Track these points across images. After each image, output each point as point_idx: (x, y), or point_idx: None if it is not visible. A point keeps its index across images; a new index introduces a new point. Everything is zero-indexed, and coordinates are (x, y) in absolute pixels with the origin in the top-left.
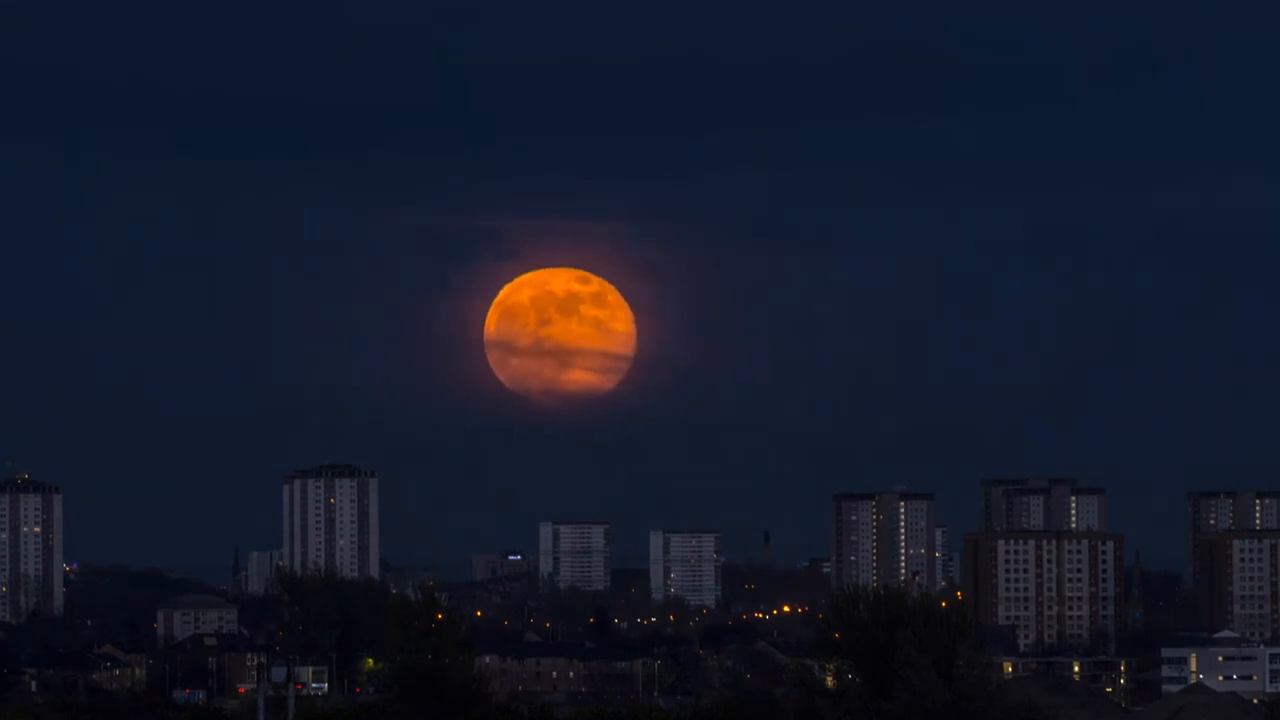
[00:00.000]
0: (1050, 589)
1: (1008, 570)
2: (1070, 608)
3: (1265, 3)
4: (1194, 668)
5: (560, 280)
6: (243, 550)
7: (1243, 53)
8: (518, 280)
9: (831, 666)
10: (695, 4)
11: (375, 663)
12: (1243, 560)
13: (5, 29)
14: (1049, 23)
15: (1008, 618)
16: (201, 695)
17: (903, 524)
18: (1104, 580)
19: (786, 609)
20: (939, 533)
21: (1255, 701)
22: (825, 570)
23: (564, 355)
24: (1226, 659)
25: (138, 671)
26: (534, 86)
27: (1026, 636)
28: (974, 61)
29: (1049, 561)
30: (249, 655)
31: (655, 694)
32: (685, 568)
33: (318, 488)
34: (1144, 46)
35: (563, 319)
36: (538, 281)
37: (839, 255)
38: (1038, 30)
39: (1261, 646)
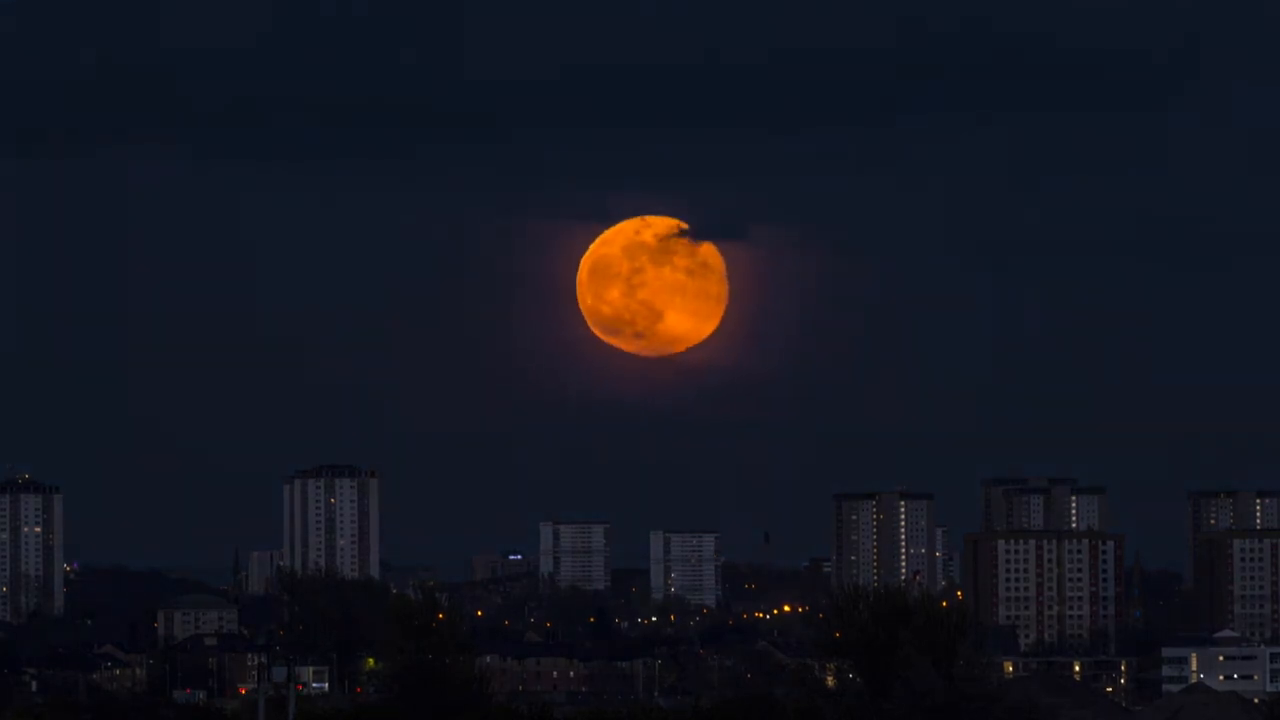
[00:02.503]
0: (1050, 589)
1: (1008, 570)
2: (1070, 607)
3: None
4: (1194, 667)
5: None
6: (243, 550)
7: None
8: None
9: (831, 666)
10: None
11: (375, 663)
12: (1243, 560)
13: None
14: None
15: (1008, 617)
16: (202, 695)
17: (903, 524)
18: (1104, 580)
19: (786, 609)
20: (939, 532)
21: (1256, 701)
22: (825, 570)
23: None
24: (1227, 659)
25: (138, 671)
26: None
27: (1027, 636)
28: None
29: (1049, 561)
30: (249, 655)
31: (655, 694)
32: (685, 568)
33: (318, 488)
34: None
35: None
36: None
37: (831, 250)
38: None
39: (1262, 646)
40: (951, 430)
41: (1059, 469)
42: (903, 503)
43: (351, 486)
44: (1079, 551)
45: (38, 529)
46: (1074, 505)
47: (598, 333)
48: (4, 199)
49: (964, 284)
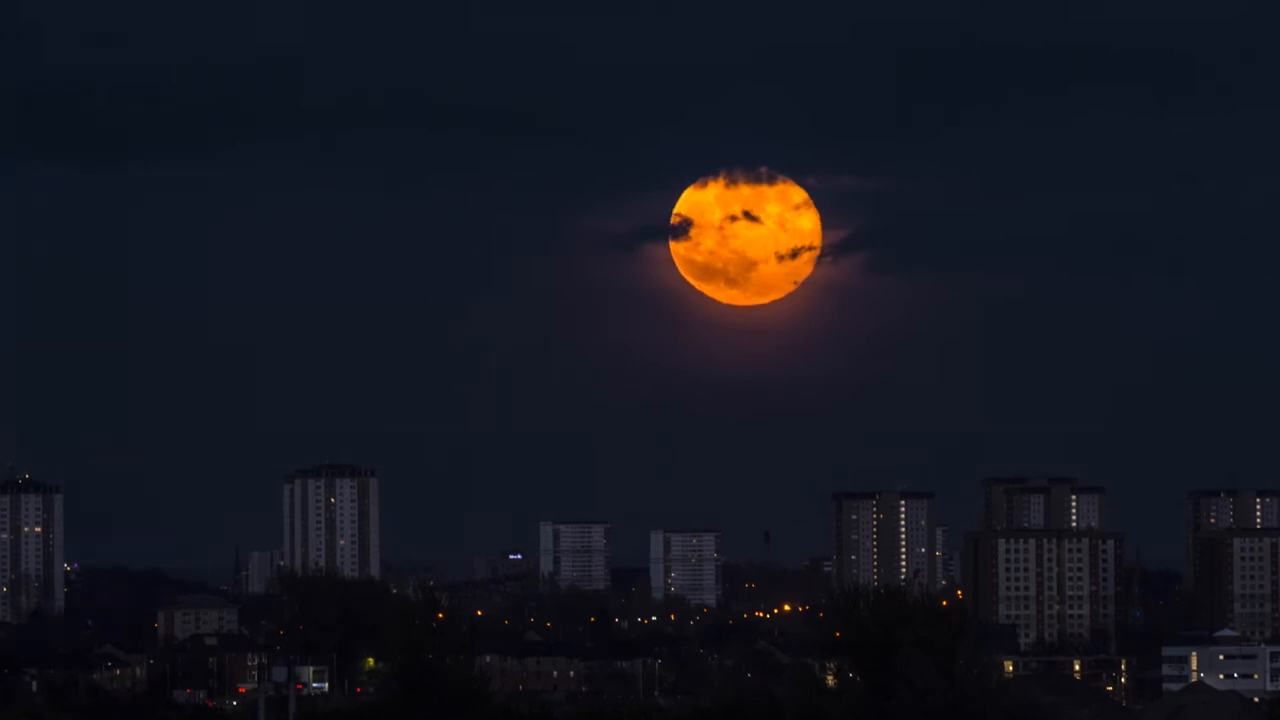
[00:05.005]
0: (1051, 588)
1: (1008, 569)
2: (1071, 606)
3: None
4: (1195, 666)
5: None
6: (243, 550)
7: None
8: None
9: (832, 666)
10: None
11: (375, 663)
12: (1243, 559)
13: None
14: None
15: (1008, 616)
16: (202, 695)
17: (903, 523)
18: (1104, 579)
19: (787, 608)
20: (939, 532)
21: (1256, 700)
22: (826, 569)
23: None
24: (1227, 658)
25: (138, 671)
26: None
27: (1027, 635)
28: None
29: (1049, 560)
30: (250, 655)
31: (655, 694)
32: (685, 567)
33: (318, 488)
34: None
35: None
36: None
37: (828, 249)
38: None
39: (1262, 645)
40: (952, 430)
41: (1059, 469)
42: (903, 502)
43: (351, 486)
44: (1079, 551)
45: (38, 529)
46: (1074, 505)
47: (690, 277)
48: (5, 203)
49: (962, 282)
